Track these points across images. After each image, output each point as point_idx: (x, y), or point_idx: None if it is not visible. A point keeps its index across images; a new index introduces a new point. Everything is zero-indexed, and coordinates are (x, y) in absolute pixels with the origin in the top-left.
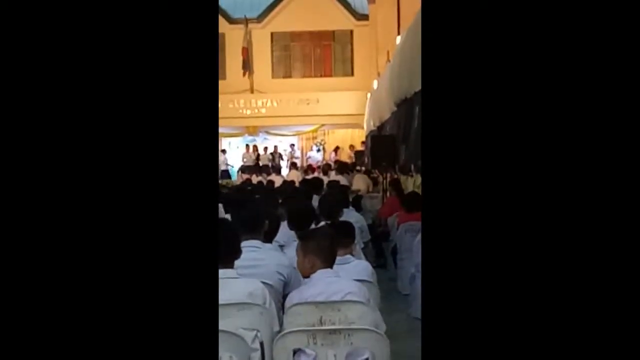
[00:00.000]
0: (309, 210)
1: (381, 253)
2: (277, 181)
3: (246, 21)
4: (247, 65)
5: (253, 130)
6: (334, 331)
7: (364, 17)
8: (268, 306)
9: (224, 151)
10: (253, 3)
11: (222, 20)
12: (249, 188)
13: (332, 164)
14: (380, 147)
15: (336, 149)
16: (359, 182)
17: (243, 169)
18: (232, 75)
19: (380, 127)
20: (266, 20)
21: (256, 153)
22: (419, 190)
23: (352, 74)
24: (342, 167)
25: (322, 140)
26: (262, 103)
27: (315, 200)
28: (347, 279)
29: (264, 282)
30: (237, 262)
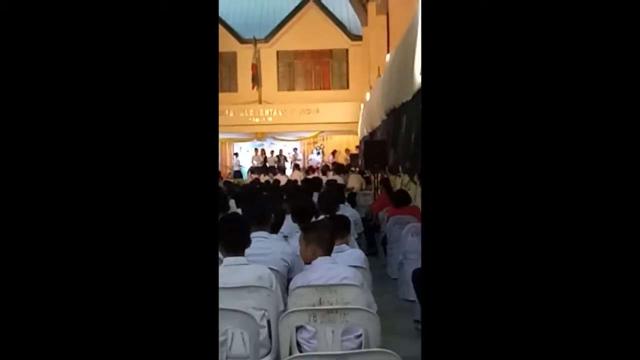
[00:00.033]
0: (310, 205)
1: (373, 243)
2: (282, 180)
3: (255, 41)
4: (256, 80)
5: (261, 136)
6: (332, 310)
7: (358, 37)
8: (274, 289)
9: (236, 154)
10: (261, 25)
11: (233, 40)
12: (258, 186)
13: (330, 166)
14: (372, 151)
15: (334, 152)
16: (354, 181)
17: (252, 170)
18: (242, 88)
19: (372, 134)
20: (273, 40)
21: (264, 156)
22: (406, 188)
23: (348, 87)
24: (338, 168)
25: (321, 144)
26: (269, 112)
27: (315, 197)
28: (343, 265)
29: (270, 268)
30: (247, 251)
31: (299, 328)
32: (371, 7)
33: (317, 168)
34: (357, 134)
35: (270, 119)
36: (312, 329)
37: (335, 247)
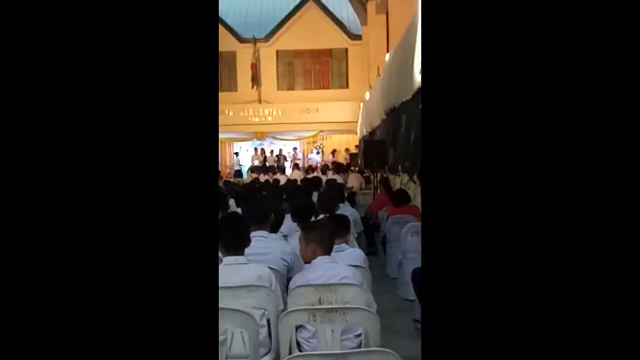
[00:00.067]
0: (310, 205)
1: (372, 242)
2: (282, 180)
3: (255, 41)
4: (255, 79)
5: (261, 136)
6: (331, 310)
7: (357, 37)
8: (274, 288)
9: (237, 154)
10: (261, 25)
11: (233, 40)
12: (257, 186)
13: (330, 165)
14: (372, 150)
15: (333, 152)
16: (353, 181)
17: (252, 169)
18: (242, 87)
19: (372, 133)
20: (272, 39)
21: (263, 155)
22: (405, 188)
23: (347, 87)
24: (338, 168)
25: (321, 144)
26: (269, 112)
27: (314, 196)
28: (342, 264)
29: (270, 267)
30: (247, 250)
31: (298, 327)
32: (371, 7)
33: (317, 167)
34: (356, 133)
35: (269, 118)
36: (312, 329)
37: (335, 247)
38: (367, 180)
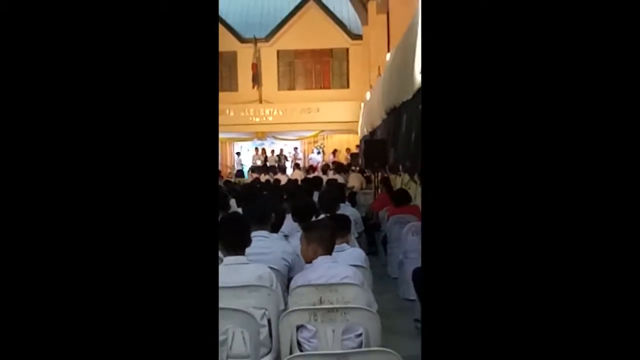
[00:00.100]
0: (310, 205)
1: (373, 242)
2: (283, 179)
3: (255, 40)
4: (256, 79)
5: (262, 135)
6: (332, 310)
7: (358, 37)
8: (275, 288)
9: (238, 154)
10: (262, 24)
11: (234, 40)
12: (258, 185)
13: (331, 165)
14: (373, 150)
15: (334, 152)
16: (354, 180)
17: (253, 169)
18: (243, 87)
19: (373, 133)
20: (273, 39)
21: (264, 155)
22: (406, 187)
23: (348, 87)
24: (339, 167)
25: (321, 144)
26: (270, 112)
27: (315, 196)
28: (343, 264)
29: (271, 267)
30: (247, 250)
31: (299, 327)
32: (371, 6)
33: (318, 167)
34: (357, 133)
35: (270, 118)
36: (313, 328)
37: (336, 247)
38: (368, 180)
